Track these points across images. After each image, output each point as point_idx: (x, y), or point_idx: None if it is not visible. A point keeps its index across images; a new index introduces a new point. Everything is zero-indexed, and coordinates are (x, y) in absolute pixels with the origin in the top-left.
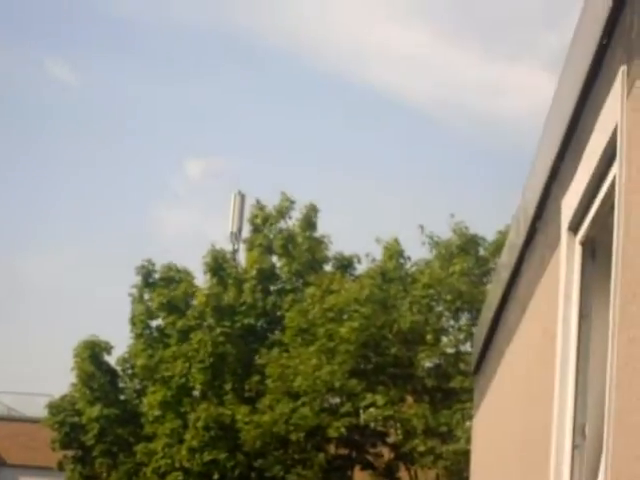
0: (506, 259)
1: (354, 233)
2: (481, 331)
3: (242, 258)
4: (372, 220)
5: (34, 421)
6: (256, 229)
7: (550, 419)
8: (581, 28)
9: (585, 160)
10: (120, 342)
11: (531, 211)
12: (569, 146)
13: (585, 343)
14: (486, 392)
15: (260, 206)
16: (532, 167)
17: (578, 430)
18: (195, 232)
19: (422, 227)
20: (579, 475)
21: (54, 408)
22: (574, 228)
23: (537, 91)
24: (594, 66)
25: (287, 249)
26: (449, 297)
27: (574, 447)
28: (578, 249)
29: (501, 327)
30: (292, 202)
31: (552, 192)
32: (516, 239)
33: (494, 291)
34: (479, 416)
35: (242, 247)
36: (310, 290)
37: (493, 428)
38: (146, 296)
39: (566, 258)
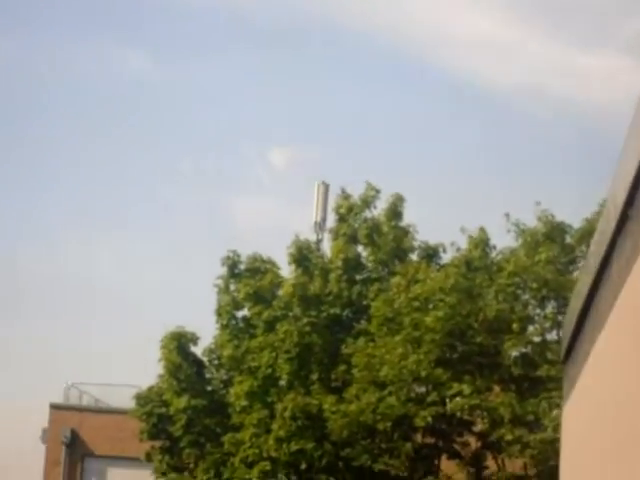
0: (596, 247)
1: (440, 222)
2: (570, 319)
3: (327, 248)
4: (458, 209)
5: (121, 412)
6: (341, 219)
7: None
8: None
9: None
10: (206, 333)
11: (622, 198)
12: None
13: None
14: (577, 381)
15: (345, 195)
16: (622, 153)
17: None
18: (278, 222)
19: (508, 215)
20: None
21: (142, 399)
22: None
23: (618, 77)
24: None
25: (372, 238)
26: (535, 285)
27: None
28: None
29: (591, 315)
30: (377, 191)
31: None
32: (606, 226)
33: (584, 279)
34: (569, 405)
35: (326, 237)
36: (396, 279)
37: (585, 417)
38: (231, 287)
39: None
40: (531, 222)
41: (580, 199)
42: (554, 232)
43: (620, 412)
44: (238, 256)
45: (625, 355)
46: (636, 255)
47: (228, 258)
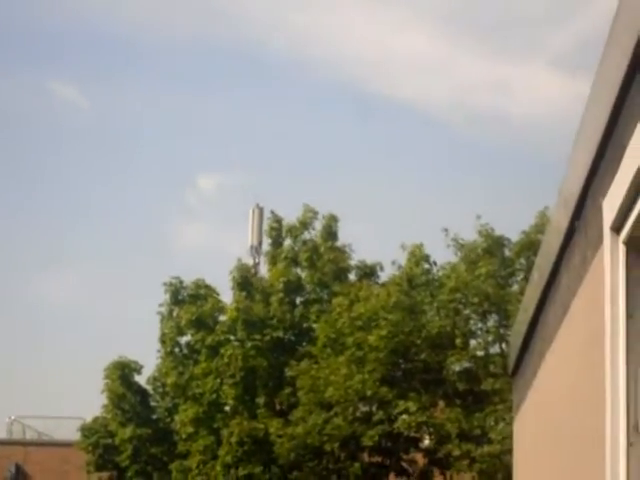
0: (542, 259)
1: (376, 241)
2: (518, 332)
3: (264, 271)
4: (393, 227)
5: (66, 445)
6: (275, 242)
7: (602, 419)
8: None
9: (628, 157)
10: (150, 361)
11: (569, 211)
12: (609, 143)
13: (633, 342)
14: (526, 394)
15: (277, 219)
16: (569, 165)
17: (632, 428)
18: (211, 247)
19: (446, 230)
20: (637, 471)
21: (87, 431)
22: (616, 228)
23: (547, 89)
24: (637, 54)
25: (312, 261)
26: (476, 300)
27: (629, 445)
28: (622, 248)
29: (540, 328)
30: (315, 213)
31: (591, 191)
32: (553, 239)
33: (530, 292)
34: (520, 418)
35: (262, 260)
36: (337, 299)
37: (537, 430)
38: (174, 314)
39: (610, 258)
40: (470, 236)
41: (516, 212)
42: (493, 246)
43: (570, 424)
44: (180, 282)
45: (575, 368)
46: (585, 269)
47: (170, 284)
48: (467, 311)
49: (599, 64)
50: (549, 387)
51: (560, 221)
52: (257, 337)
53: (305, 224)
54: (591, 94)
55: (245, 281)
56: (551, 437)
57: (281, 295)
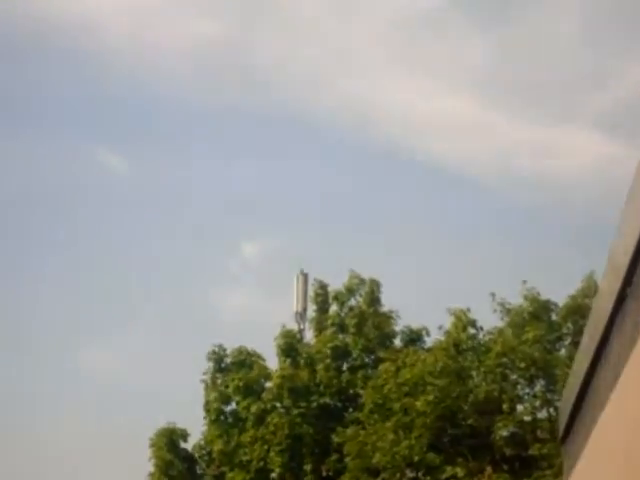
0: (593, 325)
1: (421, 307)
2: (568, 398)
3: (308, 337)
4: (439, 293)
5: None
6: (320, 308)
7: None
8: None
9: None
10: (195, 429)
11: (620, 277)
12: None
13: None
14: (578, 459)
15: (323, 285)
16: (619, 231)
17: None
18: (255, 315)
19: (493, 294)
20: None
21: None
22: None
23: (590, 151)
24: None
25: (359, 326)
26: (523, 365)
27: None
28: None
29: (591, 394)
30: (361, 279)
31: None
32: (603, 305)
33: (580, 357)
34: None
35: (307, 326)
36: (384, 365)
37: None
38: (218, 381)
39: None
40: (516, 301)
41: (563, 276)
42: (540, 310)
43: None
44: (224, 350)
45: (630, 434)
46: (637, 334)
47: (214, 352)
48: (514, 376)
49: None
50: (602, 452)
51: (611, 287)
52: (303, 404)
53: (351, 290)
54: None
55: (290, 347)
56: None
57: (328, 361)
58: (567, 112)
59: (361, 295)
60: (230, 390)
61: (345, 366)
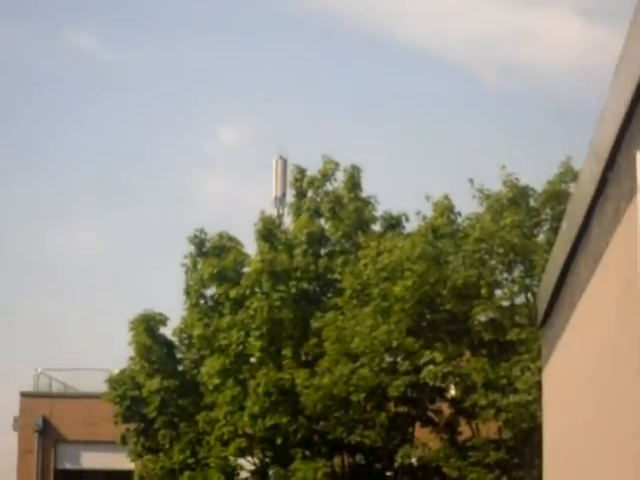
0: (573, 210)
1: (401, 192)
2: (547, 284)
3: (287, 223)
4: (419, 178)
5: (92, 397)
6: (299, 193)
7: (637, 366)
8: None
9: None
10: (175, 314)
11: (601, 162)
12: None
13: None
14: (556, 344)
15: (301, 170)
16: (601, 117)
17: None
18: (234, 199)
19: (472, 181)
20: None
21: (114, 382)
22: None
23: (571, 37)
24: None
25: (335, 212)
26: (501, 250)
27: None
28: None
29: (570, 279)
30: (336, 164)
31: (625, 143)
32: (584, 190)
33: (560, 243)
34: (550, 368)
35: (286, 212)
36: (364, 251)
37: (569, 379)
38: (199, 266)
39: None
40: (495, 187)
41: (539, 162)
42: (519, 196)
43: (604, 371)
44: (205, 234)
45: (609, 317)
46: (618, 219)
47: (195, 237)
48: (492, 261)
49: (635, 13)
50: (582, 336)
51: (592, 172)
52: (282, 289)
53: (326, 175)
54: (625, 45)
55: (269, 233)
56: (584, 386)
57: (305, 247)
58: None
59: (336, 180)
60: (205, 276)
61: (323, 251)
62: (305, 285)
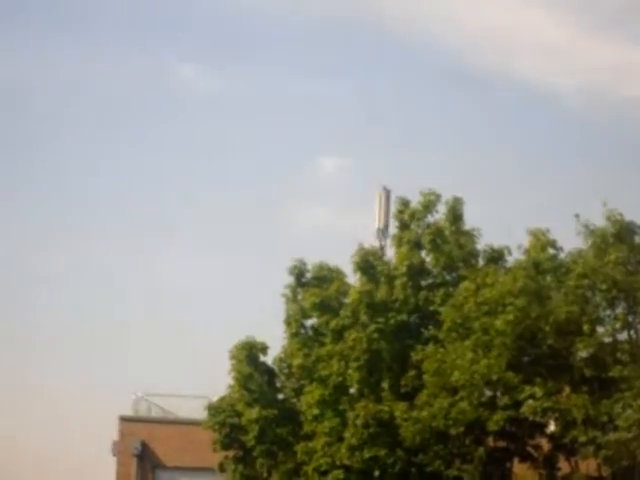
0: None
1: (503, 226)
2: None
3: (389, 254)
4: (520, 212)
5: (190, 423)
6: (402, 225)
7: None
8: None
9: None
10: (275, 343)
11: None
12: None
13: None
14: None
15: (404, 201)
16: None
17: None
18: (336, 231)
19: (577, 216)
20: None
21: (213, 409)
22: None
23: None
24: None
25: (436, 244)
26: (604, 286)
27: None
28: None
29: None
30: (438, 196)
31: None
32: None
33: None
34: None
35: (388, 244)
36: (464, 284)
37: None
38: (299, 296)
39: None
40: (598, 222)
41: None
42: (623, 232)
43: None
44: (304, 265)
45: None
46: None
47: (295, 267)
48: (595, 298)
49: None
50: None
51: None
52: (380, 320)
53: (427, 207)
54: None
55: (367, 264)
56: None
57: (405, 279)
58: None
59: (437, 212)
60: (307, 306)
61: (424, 284)
62: (405, 317)
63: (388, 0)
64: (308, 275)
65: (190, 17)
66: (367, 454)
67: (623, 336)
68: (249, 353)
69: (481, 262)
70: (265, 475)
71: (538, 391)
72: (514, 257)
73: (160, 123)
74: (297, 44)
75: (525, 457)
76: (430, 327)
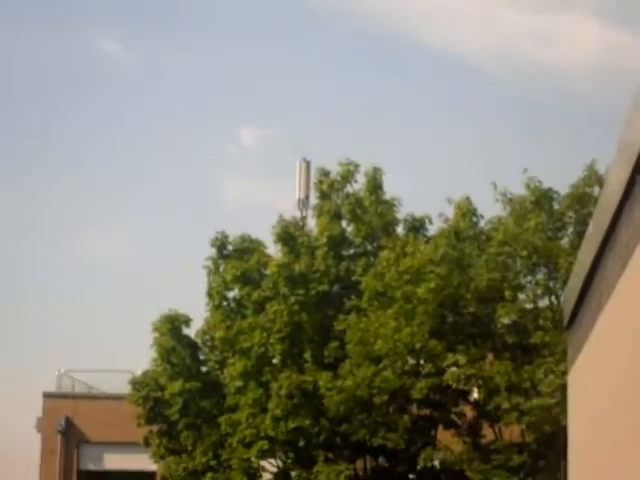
0: (600, 213)
1: (423, 195)
2: (573, 286)
3: (311, 225)
4: (442, 181)
5: (114, 398)
6: (323, 195)
7: None
8: None
9: None
10: (198, 315)
11: (630, 164)
12: None
13: None
14: (583, 346)
15: (324, 172)
16: (630, 118)
17: None
18: (258, 201)
19: (495, 184)
20: None
21: (137, 384)
22: None
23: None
24: None
25: (355, 214)
26: (525, 253)
27: None
28: None
29: (597, 281)
30: (356, 165)
31: None
32: (612, 193)
33: (588, 245)
34: (576, 371)
35: (310, 214)
36: (385, 253)
37: (594, 380)
38: (221, 268)
39: None
40: (517, 190)
41: (564, 164)
42: (542, 199)
43: (633, 372)
44: (226, 237)
45: (636, 319)
46: None
47: (216, 239)
48: (516, 264)
49: None
50: (609, 339)
51: (620, 174)
52: (301, 292)
53: (346, 177)
54: None
55: (288, 236)
56: (613, 387)
57: (325, 249)
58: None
59: (357, 182)
60: (229, 278)
61: (345, 254)
62: (326, 288)
63: None
64: (230, 247)
65: None
66: (291, 425)
67: (544, 302)
68: (172, 326)
69: (402, 231)
70: (190, 448)
71: (461, 359)
72: (436, 226)
73: (80, 94)
74: (216, 16)
75: (449, 425)
76: (352, 297)
